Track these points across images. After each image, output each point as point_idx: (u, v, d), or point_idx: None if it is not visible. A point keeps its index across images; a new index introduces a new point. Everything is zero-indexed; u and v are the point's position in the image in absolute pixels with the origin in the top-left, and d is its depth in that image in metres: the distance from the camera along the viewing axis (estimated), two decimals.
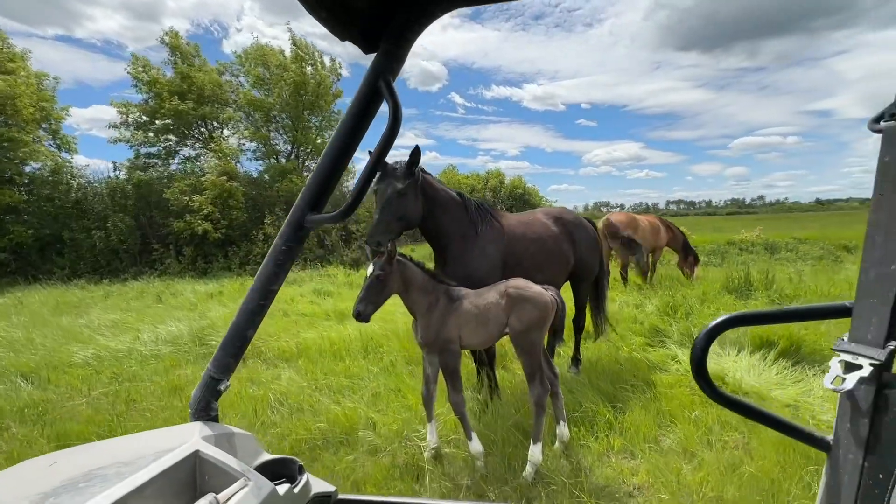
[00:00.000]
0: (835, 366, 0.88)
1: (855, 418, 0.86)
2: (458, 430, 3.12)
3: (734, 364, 4.17)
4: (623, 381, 3.86)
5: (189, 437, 0.93)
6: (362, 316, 2.52)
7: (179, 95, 16.63)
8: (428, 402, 2.94)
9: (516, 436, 3.00)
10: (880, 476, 0.81)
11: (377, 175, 2.82)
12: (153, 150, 18.20)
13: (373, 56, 1.07)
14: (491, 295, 2.78)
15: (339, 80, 20.23)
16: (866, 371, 0.81)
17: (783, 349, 4.36)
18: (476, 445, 2.76)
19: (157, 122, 17.37)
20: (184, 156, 18.90)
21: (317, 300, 8.56)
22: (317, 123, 19.35)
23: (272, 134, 19.33)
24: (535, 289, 2.77)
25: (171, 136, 18.19)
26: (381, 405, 3.65)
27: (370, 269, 2.61)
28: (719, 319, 0.90)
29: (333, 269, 12.59)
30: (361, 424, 3.32)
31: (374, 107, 1.12)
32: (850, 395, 0.86)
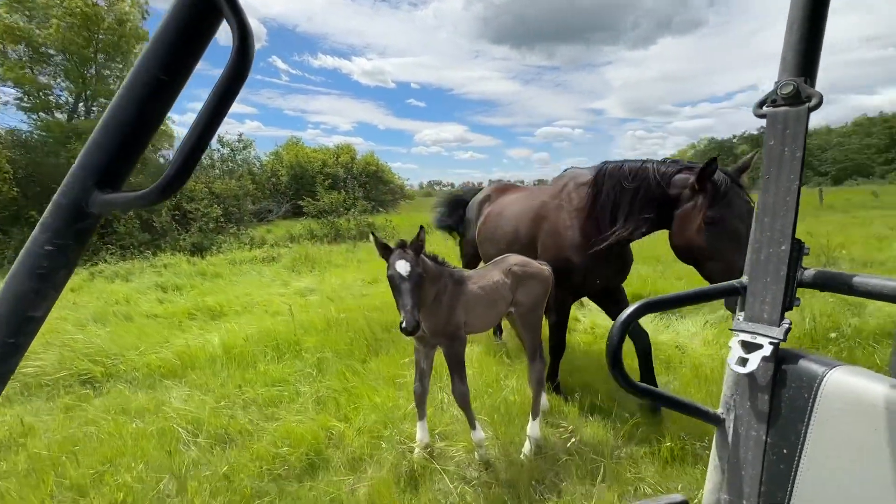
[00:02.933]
0: (735, 347, 0.90)
1: (754, 394, 0.89)
2: (444, 423, 2.89)
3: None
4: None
5: None
6: (418, 328, 2.06)
7: None
8: (421, 398, 2.62)
9: (506, 417, 2.93)
10: (784, 451, 0.84)
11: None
12: None
13: None
14: (495, 274, 2.60)
15: (146, 18, 16.08)
16: (767, 350, 0.85)
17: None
18: (479, 434, 2.59)
19: None
20: None
21: (166, 297, 6.83)
22: (119, 72, 15.06)
23: (47, 80, 14.28)
24: (536, 264, 2.71)
25: None
26: (334, 411, 3.11)
27: (403, 267, 2.13)
28: (630, 310, 0.89)
29: (169, 257, 10.20)
30: (324, 438, 2.78)
31: (204, 27, 0.48)
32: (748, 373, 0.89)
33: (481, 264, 3.71)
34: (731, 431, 0.94)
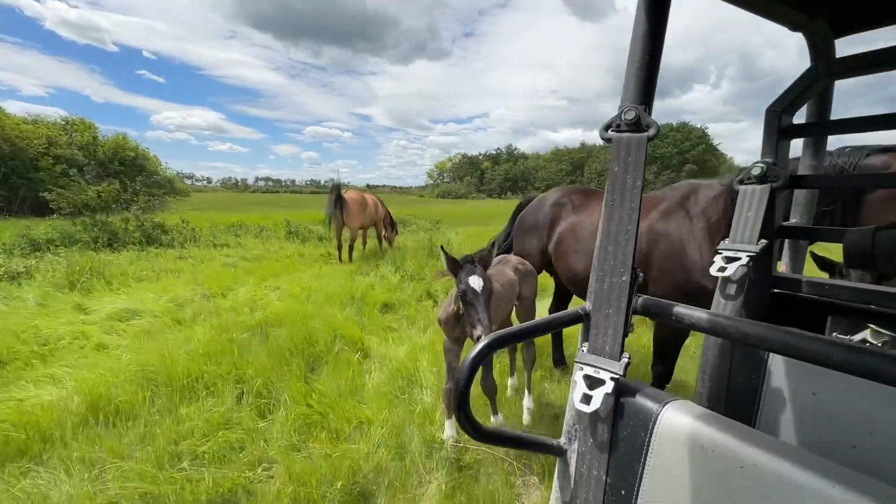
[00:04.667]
0: (580, 382, 0.88)
1: (595, 428, 0.87)
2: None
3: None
4: None
5: None
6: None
7: None
8: (451, 396, 2.70)
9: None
10: (622, 491, 0.83)
11: None
12: None
13: None
14: (508, 272, 2.91)
15: None
16: (609, 386, 0.84)
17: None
18: (499, 417, 2.87)
19: None
20: None
21: None
22: None
23: None
24: (528, 263, 3.16)
25: None
26: (326, 440, 2.76)
27: (476, 283, 2.19)
28: (478, 349, 0.86)
29: None
30: (354, 469, 2.48)
31: None
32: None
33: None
34: (572, 465, 0.93)
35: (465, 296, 2.19)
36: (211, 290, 6.26)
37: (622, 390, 0.85)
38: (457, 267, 2.28)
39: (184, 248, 9.81)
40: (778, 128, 1.32)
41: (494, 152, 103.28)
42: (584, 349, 0.91)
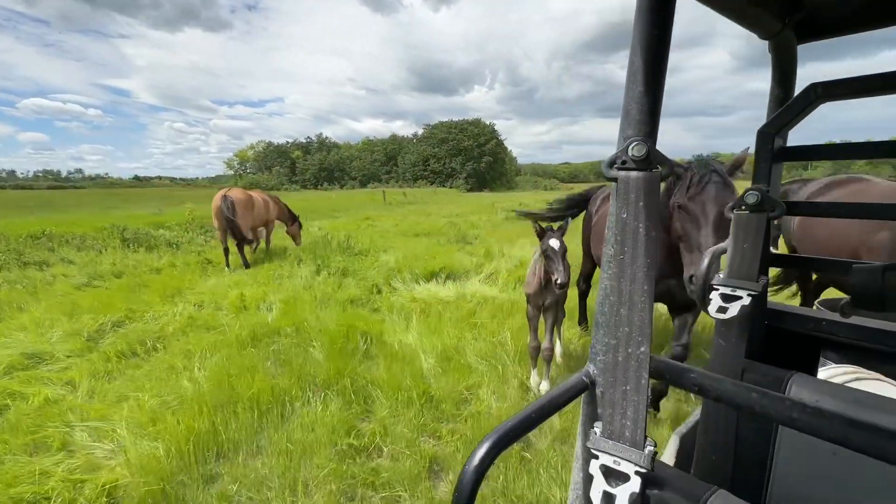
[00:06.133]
0: (597, 475, 0.77)
1: None
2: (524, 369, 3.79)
3: (421, 287, 6.49)
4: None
5: None
6: (568, 283, 3.01)
7: None
8: (535, 350, 3.48)
9: None
10: None
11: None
12: None
13: None
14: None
15: None
16: (635, 484, 0.72)
17: (447, 275, 7.33)
18: (545, 385, 3.76)
19: None
20: None
21: None
22: None
23: None
24: None
25: None
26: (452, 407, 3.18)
27: (556, 243, 3.03)
28: (482, 454, 0.68)
29: None
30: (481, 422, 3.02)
31: None
32: None
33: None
34: None
35: (547, 252, 3.05)
36: (115, 317, 5.09)
37: (649, 482, 0.74)
38: (543, 233, 3.12)
39: None
40: (772, 151, 1.24)
41: (305, 141, 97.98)
42: (597, 431, 0.78)
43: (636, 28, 0.74)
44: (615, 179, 0.77)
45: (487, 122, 77.25)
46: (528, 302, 3.49)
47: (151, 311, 5.37)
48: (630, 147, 0.74)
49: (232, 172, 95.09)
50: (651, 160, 0.74)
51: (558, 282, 2.93)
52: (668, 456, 1.28)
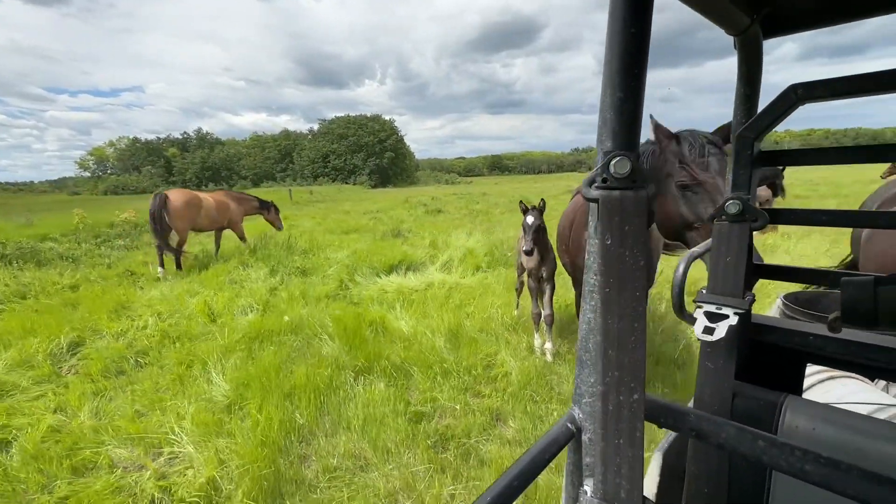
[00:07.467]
0: None
1: None
2: (522, 336, 4.38)
3: (385, 280, 6.77)
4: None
5: None
6: (534, 252, 3.71)
7: None
8: (537, 317, 4.10)
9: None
10: None
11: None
12: None
13: None
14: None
15: None
16: None
17: (406, 267, 7.66)
18: (550, 346, 4.46)
19: None
20: None
21: None
22: None
23: None
24: None
25: None
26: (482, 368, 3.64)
27: (530, 220, 3.72)
28: None
29: None
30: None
31: None
32: None
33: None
34: None
35: (523, 226, 3.76)
36: (67, 339, 4.53)
37: None
38: (525, 211, 3.79)
39: None
40: (751, 156, 1.14)
41: (181, 136, 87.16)
42: (588, 491, 0.71)
43: (611, 27, 0.65)
44: (596, 200, 0.68)
45: (387, 118, 77.22)
46: (528, 276, 4.09)
47: (105, 328, 4.85)
48: (611, 163, 0.66)
49: (88, 174, 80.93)
50: (636, 177, 0.66)
51: (524, 249, 3.65)
52: (652, 477, 1.19)
